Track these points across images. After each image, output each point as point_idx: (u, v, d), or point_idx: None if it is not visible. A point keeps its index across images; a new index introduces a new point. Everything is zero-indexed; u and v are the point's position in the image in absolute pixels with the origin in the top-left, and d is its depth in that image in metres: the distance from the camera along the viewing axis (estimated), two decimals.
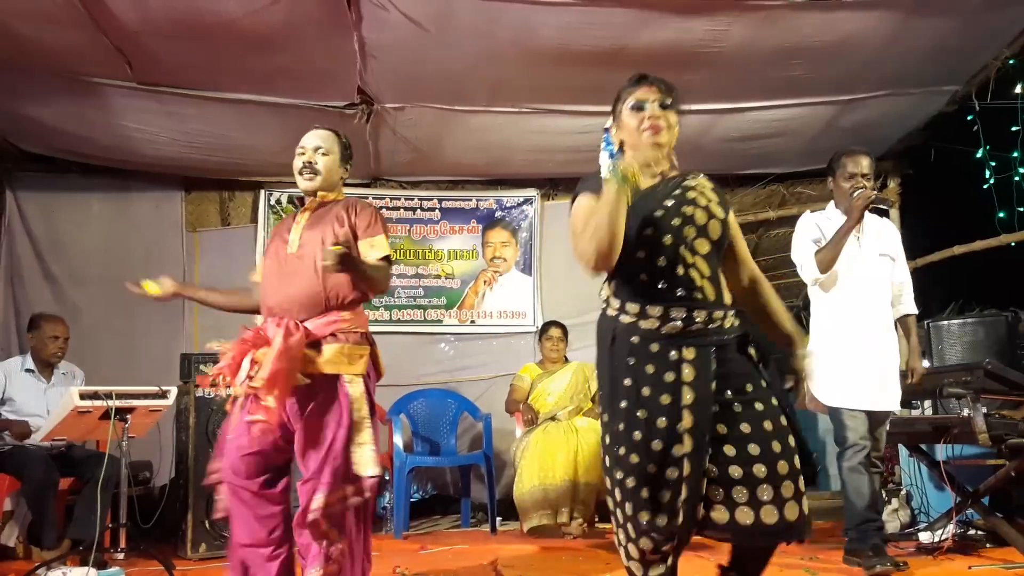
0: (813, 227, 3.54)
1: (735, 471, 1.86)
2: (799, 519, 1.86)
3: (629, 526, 1.93)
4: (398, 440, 4.95)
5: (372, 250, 2.67)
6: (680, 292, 1.95)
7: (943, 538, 3.84)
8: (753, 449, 1.87)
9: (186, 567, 3.88)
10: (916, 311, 3.67)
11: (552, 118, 4.97)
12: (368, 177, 5.95)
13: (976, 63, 4.47)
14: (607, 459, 1.99)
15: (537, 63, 4.24)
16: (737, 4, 3.76)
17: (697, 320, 1.93)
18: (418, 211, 6.07)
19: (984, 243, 4.90)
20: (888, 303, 3.55)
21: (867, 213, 3.51)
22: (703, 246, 2.00)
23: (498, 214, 6.12)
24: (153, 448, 4.82)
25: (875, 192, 3.47)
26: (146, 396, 3.76)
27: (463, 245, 6.08)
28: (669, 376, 1.91)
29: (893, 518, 4.46)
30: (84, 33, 3.81)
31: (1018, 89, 4.44)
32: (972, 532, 3.97)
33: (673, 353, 1.92)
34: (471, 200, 6.13)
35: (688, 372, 1.91)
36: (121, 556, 3.66)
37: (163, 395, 3.81)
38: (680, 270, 1.96)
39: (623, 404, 1.94)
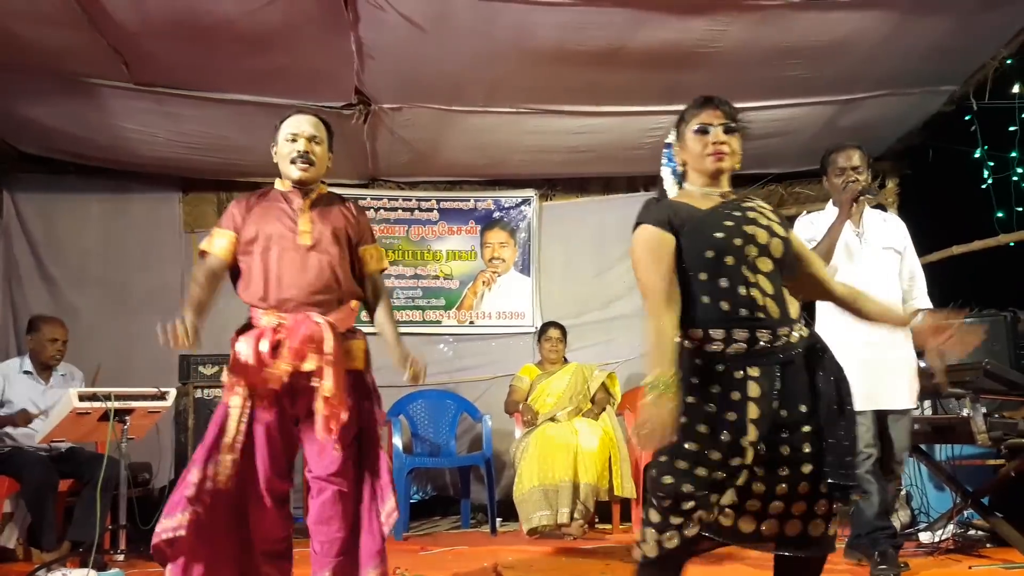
0: (807, 226, 3.49)
1: (758, 487, 1.93)
2: (821, 536, 1.94)
3: (660, 524, 1.97)
4: (397, 441, 4.94)
5: (378, 262, 2.80)
6: (743, 312, 1.96)
7: (943, 538, 3.84)
8: (806, 468, 1.92)
9: None
10: (930, 305, 3.50)
11: (550, 118, 4.97)
12: (366, 178, 5.94)
13: (974, 63, 4.47)
14: (654, 471, 1.98)
15: (535, 63, 4.23)
16: (735, 4, 3.76)
17: (761, 340, 1.94)
18: (416, 212, 6.06)
19: (982, 243, 4.90)
20: (896, 298, 3.42)
21: (870, 209, 3.47)
22: (765, 264, 1.99)
23: (496, 215, 6.11)
24: (152, 449, 4.80)
25: (866, 183, 3.39)
26: (145, 397, 3.75)
27: (461, 246, 6.07)
28: (735, 395, 1.93)
29: (893, 518, 4.46)
30: (81, 33, 3.80)
31: (1016, 89, 4.43)
32: (972, 532, 3.97)
33: (738, 372, 1.94)
34: (469, 201, 6.12)
35: (754, 389, 1.92)
36: (121, 558, 3.66)
37: (162, 396, 3.81)
38: (743, 290, 1.96)
39: (683, 420, 1.92)
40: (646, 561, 1.98)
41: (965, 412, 3.60)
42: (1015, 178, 4.58)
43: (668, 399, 1.83)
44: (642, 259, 2.02)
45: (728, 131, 2.06)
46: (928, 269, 3.66)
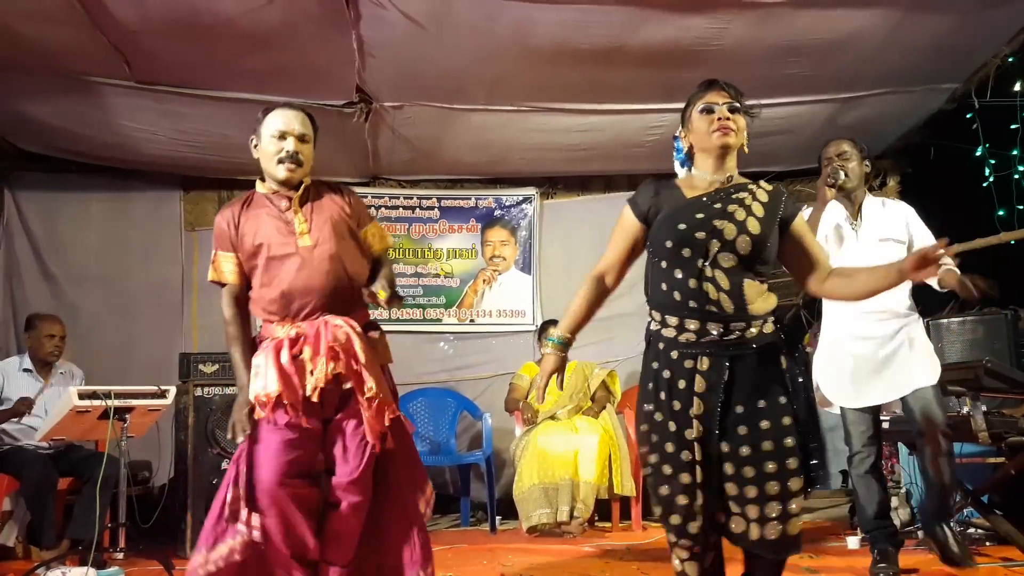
0: None
1: (731, 488, 1.95)
2: (782, 537, 1.93)
3: (667, 529, 2.02)
4: None
5: (382, 241, 2.72)
6: (692, 304, 1.98)
7: None
8: (748, 472, 1.93)
9: (185, 567, 3.81)
10: (955, 269, 3.22)
11: (551, 116, 4.97)
12: (367, 176, 5.94)
13: (975, 61, 4.47)
14: (641, 459, 2.10)
15: (536, 61, 4.23)
16: (736, 2, 3.76)
17: (711, 332, 1.96)
18: (417, 210, 6.06)
19: (984, 241, 4.89)
20: (901, 288, 3.04)
21: (873, 199, 3.38)
22: (727, 260, 1.99)
23: (497, 213, 6.12)
24: (152, 448, 4.81)
25: (839, 171, 3.23)
26: (145, 395, 3.75)
27: (462, 244, 6.07)
28: (682, 383, 1.98)
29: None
30: (82, 32, 3.80)
31: (1017, 87, 4.44)
32: (972, 531, 3.97)
33: (688, 362, 1.98)
34: (470, 199, 6.12)
35: (700, 383, 1.96)
36: (120, 556, 3.65)
37: (162, 395, 3.80)
38: (693, 283, 1.99)
39: (646, 407, 2.03)
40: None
41: (965, 410, 3.60)
42: (1016, 176, 4.58)
43: (550, 357, 2.16)
44: (612, 233, 2.18)
45: (733, 110, 2.07)
46: None
